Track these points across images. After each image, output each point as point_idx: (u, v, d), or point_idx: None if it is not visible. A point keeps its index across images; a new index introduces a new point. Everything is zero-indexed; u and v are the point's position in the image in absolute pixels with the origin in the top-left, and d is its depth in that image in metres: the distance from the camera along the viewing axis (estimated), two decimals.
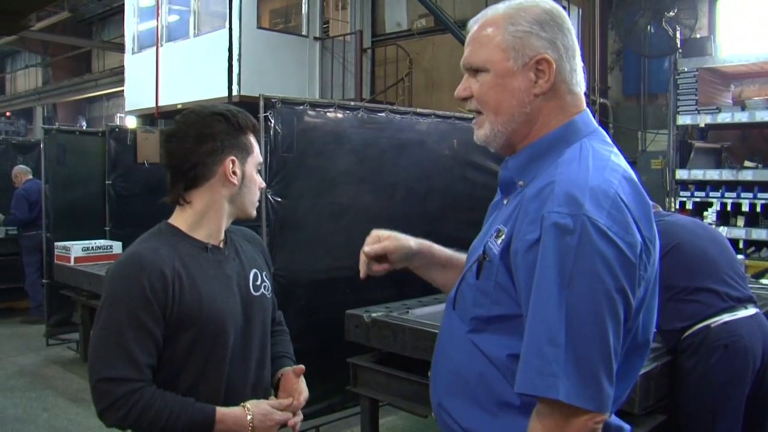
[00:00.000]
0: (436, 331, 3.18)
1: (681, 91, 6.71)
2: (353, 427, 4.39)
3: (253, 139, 1.89)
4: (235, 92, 8.36)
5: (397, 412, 4.72)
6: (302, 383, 2.00)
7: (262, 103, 3.95)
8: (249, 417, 1.79)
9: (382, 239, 1.78)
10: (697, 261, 3.08)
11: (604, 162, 1.37)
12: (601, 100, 8.69)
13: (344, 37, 10.47)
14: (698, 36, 7.56)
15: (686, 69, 6.68)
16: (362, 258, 1.75)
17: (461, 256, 1.79)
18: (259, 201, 2.60)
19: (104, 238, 6.80)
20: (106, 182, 6.93)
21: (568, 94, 1.46)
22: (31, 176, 8.29)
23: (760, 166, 6.36)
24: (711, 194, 6.49)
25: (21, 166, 8.53)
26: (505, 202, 1.54)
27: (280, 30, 10.53)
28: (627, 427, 1.47)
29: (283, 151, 4.03)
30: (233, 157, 1.82)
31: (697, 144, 6.92)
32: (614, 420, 1.44)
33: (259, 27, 9.61)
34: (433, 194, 4.98)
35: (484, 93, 1.47)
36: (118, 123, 12.20)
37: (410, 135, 4.86)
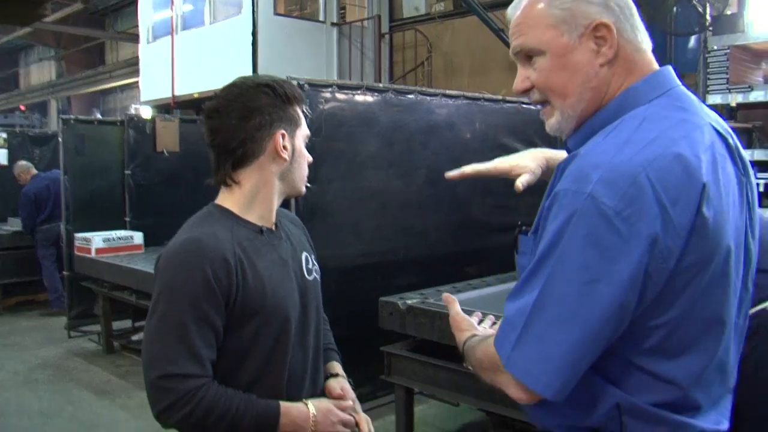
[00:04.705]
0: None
1: (711, 70, 6.57)
2: (385, 416, 4.28)
3: (300, 111, 1.77)
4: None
5: (427, 401, 4.61)
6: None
7: None
8: (312, 412, 1.70)
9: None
10: None
11: (650, 132, 1.22)
12: None
13: (362, 23, 10.32)
14: (729, 13, 7.36)
15: (716, 47, 6.52)
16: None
17: None
18: None
19: (124, 228, 6.72)
20: (125, 172, 6.83)
21: (635, 52, 1.32)
22: (34, 171, 8.11)
23: None
24: None
25: (21, 162, 8.24)
26: None
27: (296, 16, 10.39)
28: (703, 425, 1.30)
29: (311, 135, 3.91)
30: (283, 131, 1.70)
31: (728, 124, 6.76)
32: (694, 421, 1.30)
33: (276, 13, 9.47)
34: (464, 178, 4.84)
35: (546, 78, 1.35)
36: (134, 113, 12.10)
37: (439, 117, 4.73)
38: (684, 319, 1.24)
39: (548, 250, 1.21)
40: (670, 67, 1.35)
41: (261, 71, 8.89)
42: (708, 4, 7.25)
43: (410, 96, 4.54)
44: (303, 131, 1.78)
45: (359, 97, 4.23)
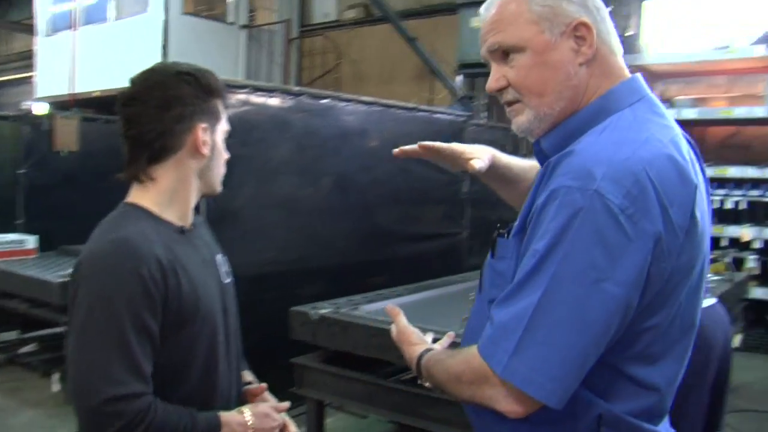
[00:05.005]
0: (389, 327, 3.06)
1: None
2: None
3: (221, 105, 1.66)
4: None
5: (335, 413, 4.55)
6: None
7: None
8: (248, 420, 1.62)
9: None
10: None
11: (641, 133, 1.22)
12: None
13: (271, 27, 10.18)
14: (628, 34, 7.67)
15: None
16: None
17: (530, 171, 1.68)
18: None
19: (15, 231, 6.31)
20: (19, 171, 6.43)
21: (611, 55, 1.33)
22: None
23: None
24: None
25: None
26: None
27: (205, 16, 10.14)
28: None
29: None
30: (204, 125, 1.58)
31: None
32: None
33: (184, 12, 9.21)
34: (374, 186, 4.83)
35: (525, 76, 1.31)
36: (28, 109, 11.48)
37: (352, 124, 4.70)
38: (669, 323, 1.24)
39: (550, 249, 1.15)
40: (639, 75, 1.36)
41: None
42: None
43: (324, 101, 4.48)
44: (223, 126, 1.68)
45: (273, 100, 4.13)
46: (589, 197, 1.13)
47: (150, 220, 1.56)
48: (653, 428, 1.28)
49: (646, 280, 1.16)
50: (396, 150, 1.74)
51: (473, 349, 1.25)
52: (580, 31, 1.28)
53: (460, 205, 5.69)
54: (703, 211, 1.25)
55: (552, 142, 1.33)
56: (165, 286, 1.46)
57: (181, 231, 1.62)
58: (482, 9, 1.37)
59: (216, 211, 3.76)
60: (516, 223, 1.31)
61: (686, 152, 1.25)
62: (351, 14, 10.46)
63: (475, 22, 7.60)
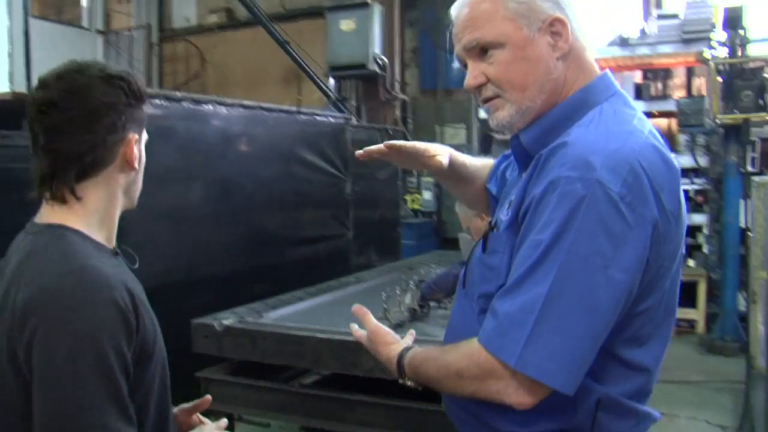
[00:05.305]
0: (301, 333, 3.00)
1: None
2: None
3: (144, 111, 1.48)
4: (7, 89, 7.45)
5: (238, 425, 4.41)
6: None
7: None
8: None
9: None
10: None
11: (625, 125, 1.27)
12: (401, 95, 8.88)
13: (131, 32, 9.75)
14: None
15: None
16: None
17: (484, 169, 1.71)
18: None
19: None
20: None
21: (584, 50, 1.36)
22: None
23: None
24: None
25: None
26: (523, 175, 1.41)
27: (57, 21, 9.55)
28: (657, 415, 1.36)
29: None
30: (136, 135, 1.40)
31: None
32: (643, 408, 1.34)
33: (32, 16, 8.62)
34: (259, 190, 4.73)
35: (506, 70, 1.32)
36: None
37: (235, 128, 4.57)
38: (658, 306, 1.27)
39: (556, 239, 1.16)
40: (609, 71, 1.39)
41: (15, 81, 8.02)
42: None
43: (207, 106, 4.32)
44: (145, 135, 1.50)
45: (155, 106, 3.93)
46: (590, 186, 1.16)
47: (88, 242, 1.35)
48: (646, 409, 1.32)
49: (646, 264, 1.19)
50: (359, 152, 1.67)
51: (474, 343, 1.23)
52: (555, 27, 1.31)
53: (345, 206, 5.68)
54: (683, 198, 1.30)
55: (532, 136, 1.34)
56: (136, 315, 1.28)
57: (116, 254, 1.44)
58: (453, 10, 1.39)
59: None
60: (507, 217, 1.32)
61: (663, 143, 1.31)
62: (213, 19, 10.22)
63: (343, 25, 7.62)
